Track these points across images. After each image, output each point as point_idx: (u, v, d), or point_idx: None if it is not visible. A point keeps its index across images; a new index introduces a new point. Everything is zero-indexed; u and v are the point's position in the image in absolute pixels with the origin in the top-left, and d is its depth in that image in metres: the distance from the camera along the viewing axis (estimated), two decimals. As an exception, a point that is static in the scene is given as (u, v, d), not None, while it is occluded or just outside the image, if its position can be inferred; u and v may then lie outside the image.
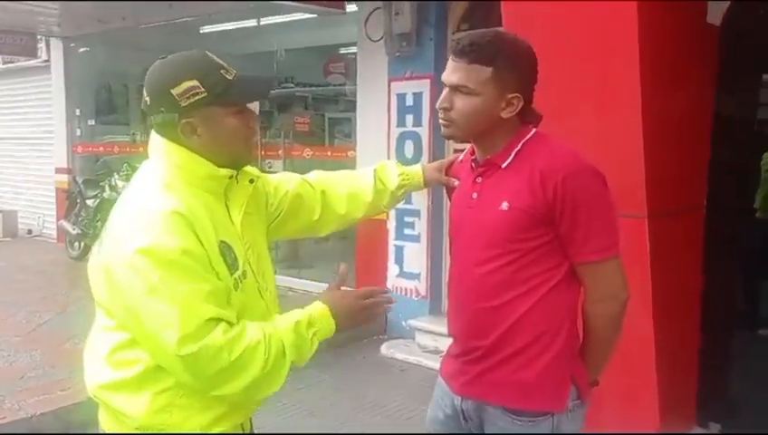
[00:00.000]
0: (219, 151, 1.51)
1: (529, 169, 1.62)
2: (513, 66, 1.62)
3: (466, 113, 1.65)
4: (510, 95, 1.63)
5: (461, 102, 1.65)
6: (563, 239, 1.62)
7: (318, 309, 1.54)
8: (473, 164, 1.78)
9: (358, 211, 1.95)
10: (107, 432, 1.56)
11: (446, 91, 1.68)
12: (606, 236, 1.63)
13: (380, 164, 2.02)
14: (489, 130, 1.68)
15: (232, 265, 1.48)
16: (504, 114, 1.65)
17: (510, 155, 1.67)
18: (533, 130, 1.71)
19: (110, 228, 1.49)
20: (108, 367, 1.49)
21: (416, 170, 2.02)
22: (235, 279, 1.48)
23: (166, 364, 1.42)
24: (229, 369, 1.38)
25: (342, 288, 1.64)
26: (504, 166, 1.68)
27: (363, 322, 1.62)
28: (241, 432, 1.64)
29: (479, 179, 1.73)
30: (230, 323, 1.41)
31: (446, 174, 2.00)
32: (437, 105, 1.70)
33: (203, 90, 1.46)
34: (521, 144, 1.68)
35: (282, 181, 1.86)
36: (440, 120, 1.72)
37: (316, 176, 1.95)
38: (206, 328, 1.37)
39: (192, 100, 1.45)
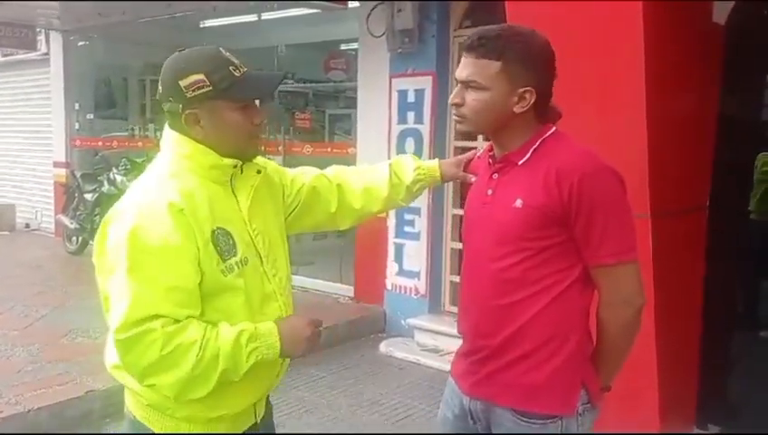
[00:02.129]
0: (221, 143, 1.58)
1: (545, 167, 1.60)
2: (524, 60, 1.60)
3: (477, 108, 1.64)
4: (521, 89, 1.61)
5: (471, 97, 1.64)
6: (578, 241, 1.60)
7: (266, 327, 1.55)
8: (490, 160, 1.76)
9: (373, 205, 1.96)
10: (129, 410, 1.64)
11: (458, 87, 1.67)
12: (622, 239, 1.61)
13: (397, 158, 2.03)
14: (503, 125, 1.66)
15: (226, 250, 1.54)
16: (517, 109, 1.63)
17: (527, 152, 1.66)
18: (553, 128, 1.69)
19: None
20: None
21: (432, 165, 2.01)
22: (230, 264, 1.54)
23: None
24: (159, 362, 1.43)
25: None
26: (520, 163, 1.66)
27: (305, 349, 1.60)
28: (252, 429, 1.69)
29: (495, 176, 1.71)
30: (176, 321, 1.45)
31: (465, 170, 1.99)
32: (450, 101, 1.70)
33: (208, 84, 1.53)
34: (539, 142, 1.66)
35: (299, 174, 1.92)
36: (453, 116, 1.72)
37: (333, 170, 1.99)
38: (147, 321, 1.42)
39: (197, 93, 1.53)
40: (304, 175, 1.92)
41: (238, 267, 1.55)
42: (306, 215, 1.90)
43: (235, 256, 1.55)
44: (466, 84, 1.64)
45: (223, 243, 1.53)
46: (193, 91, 1.52)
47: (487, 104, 1.62)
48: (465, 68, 1.64)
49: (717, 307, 3.52)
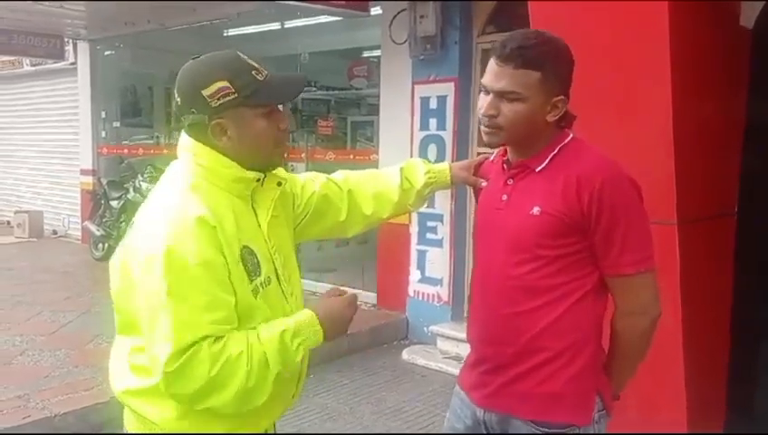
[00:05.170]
0: (249, 153, 1.50)
1: (565, 174, 1.58)
2: (559, 68, 1.59)
3: (515, 120, 1.59)
4: (555, 98, 1.59)
5: (508, 109, 1.58)
6: (597, 249, 1.58)
7: (305, 317, 1.50)
8: (504, 165, 1.73)
9: (384, 211, 1.91)
10: (131, 432, 1.58)
11: (490, 97, 1.60)
12: (641, 248, 1.59)
13: (407, 162, 1.98)
14: (533, 134, 1.63)
15: (253, 271, 1.47)
16: (550, 118, 1.61)
17: (546, 159, 1.63)
18: (570, 135, 1.67)
19: (135, 227, 1.49)
20: (131, 373, 1.50)
21: (443, 168, 1.97)
22: (256, 285, 1.47)
23: (154, 373, 1.41)
24: (209, 384, 1.37)
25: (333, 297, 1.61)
26: (538, 170, 1.64)
27: (346, 329, 1.57)
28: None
29: (510, 181, 1.69)
30: (219, 338, 1.39)
31: (475, 174, 1.95)
32: (482, 112, 1.62)
33: (233, 90, 1.45)
34: (558, 148, 1.64)
35: (308, 182, 1.84)
36: (484, 128, 1.65)
37: (342, 175, 1.92)
38: (194, 345, 1.35)
39: (222, 101, 1.45)
40: (314, 182, 1.84)
41: (262, 288, 1.49)
42: (315, 223, 1.83)
43: (259, 275, 1.48)
44: (501, 95, 1.58)
45: (249, 263, 1.47)
46: (218, 99, 1.44)
47: (525, 115, 1.58)
48: (501, 78, 1.57)
49: (745, 316, 3.45)
